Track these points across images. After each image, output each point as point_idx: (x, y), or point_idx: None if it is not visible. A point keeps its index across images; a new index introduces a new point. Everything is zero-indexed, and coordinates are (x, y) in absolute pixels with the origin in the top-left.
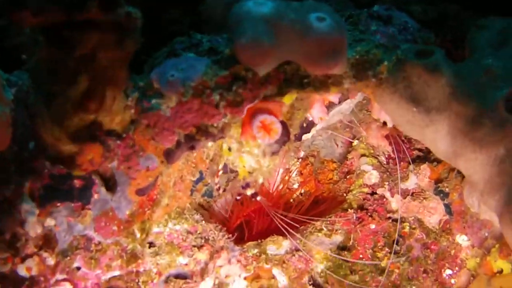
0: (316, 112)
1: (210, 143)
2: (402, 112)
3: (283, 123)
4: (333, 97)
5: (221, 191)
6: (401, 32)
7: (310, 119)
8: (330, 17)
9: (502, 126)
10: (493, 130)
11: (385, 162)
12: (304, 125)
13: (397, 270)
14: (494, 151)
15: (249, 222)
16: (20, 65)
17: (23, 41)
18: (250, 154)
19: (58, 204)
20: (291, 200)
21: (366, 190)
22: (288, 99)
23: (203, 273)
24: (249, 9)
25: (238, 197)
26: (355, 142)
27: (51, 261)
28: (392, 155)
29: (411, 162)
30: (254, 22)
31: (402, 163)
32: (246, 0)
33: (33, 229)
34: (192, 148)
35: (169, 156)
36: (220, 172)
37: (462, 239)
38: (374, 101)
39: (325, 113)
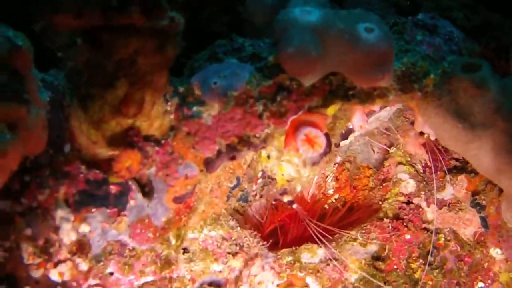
0: (356, 121)
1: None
2: (447, 126)
3: (326, 135)
4: (375, 106)
5: (257, 197)
6: (447, 42)
7: (350, 126)
8: (378, 27)
9: None
10: None
11: (422, 171)
12: (343, 131)
13: (430, 282)
14: None
15: (284, 228)
16: (55, 63)
17: (61, 42)
18: (289, 163)
19: (93, 210)
20: (326, 206)
21: (402, 199)
22: (332, 109)
23: (237, 281)
24: (295, 17)
25: (274, 202)
26: (392, 149)
27: (84, 266)
28: (429, 164)
29: (447, 172)
30: (301, 31)
31: (439, 172)
32: (292, 7)
33: (68, 236)
34: (233, 158)
35: (209, 165)
36: (259, 180)
37: (496, 252)
38: (418, 114)
39: (365, 122)
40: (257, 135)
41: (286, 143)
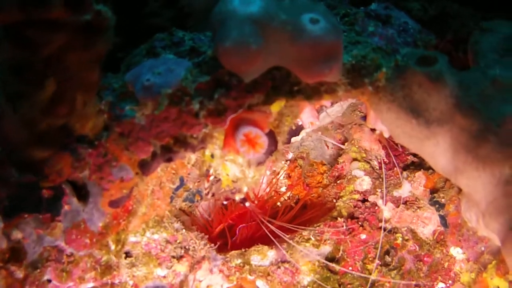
0: (306, 117)
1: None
2: (400, 122)
3: (270, 133)
4: (324, 101)
5: (209, 195)
6: (401, 33)
7: (300, 123)
8: (324, 18)
9: (509, 145)
10: (499, 147)
11: (377, 167)
12: (293, 127)
13: (387, 284)
14: (499, 170)
15: (232, 229)
16: None
17: None
18: (233, 163)
19: (26, 216)
20: (278, 204)
21: (357, 196)
22: (276, 106)
23: (182, 285)
24: (234, 8)
25: (226, 202)
26: (346, 145)
27: (19, 274)
28: (385, 160)
29: (399, 170)
30: (240, 22)
31: (395, 168)
32: None
33: None
34: (169, 160)
35: (144, 168)
36: (211, 178)
37: (456, 252)
38: (370, 109)
39: (315, 118)
40: (194, 135)
41: (225, 143)
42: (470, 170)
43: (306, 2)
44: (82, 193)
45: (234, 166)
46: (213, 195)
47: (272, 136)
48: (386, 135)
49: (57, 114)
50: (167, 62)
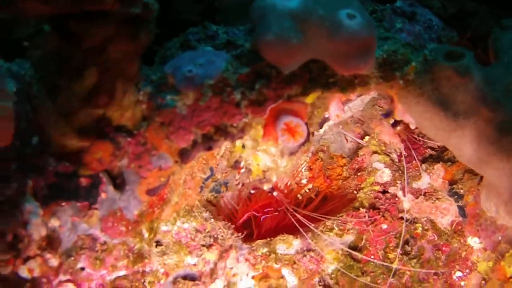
0: (333, 110)
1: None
2: (429, 115)
3: (305, 124)
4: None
5: (240, 185)
6: (426, 30)
7: (326, 116)
8: (360, 14)
9: None
10: None
11: (397, 160)
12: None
13: (408, 272)
14: None
15: (257, 219)
16: (21, 53)
17: (28, 31)
18: (265, 153)
19: (63, 204)
20: (299, 196)
21: (377, 188)
22: (311, 98)
23: (212, 273)
24: (274, 3)
25: (253, 191)
26: (367, 138)
27: (54, 262)
28: (405, 153)
29: (419, 163)
30: (280, 17)
31: (414, 161)
32: None
33: (37, 231)
34: (209, 148)
35: (184, 156)
36: (243, 170)
37: (474, 241)
38: (398, 102)
39: (342, 110)
40: (235, 125)
41: (265, 132)
42: (494, 161)
43: None
44: (117, 182)
45: (265, 156)
46: (242, 185)
47: (307, 125)
48: (413, 127)
49: (97, 104)
50: (207, 54)
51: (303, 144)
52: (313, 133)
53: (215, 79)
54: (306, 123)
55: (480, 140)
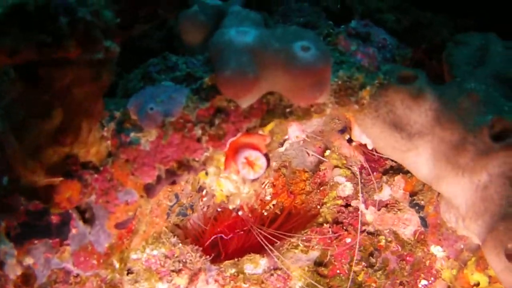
0: (293, 132)
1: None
2: (384, 136)
3: (265, 155)
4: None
5: (204, 208)
6: (380, 50)
7: (286, 137)
8: (314, 45)
9: (486, 153)
10: (476, 156)
11: (358, 173)
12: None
13: (374, 284)
14: (477, 177)
15: (224, 239)
16: None
17: None
18: (228, 179)
19: (36, 242)
20: (264, 213)
21: (340, 202)
22: (269, 126)
23: None
24: (231, 38)
25: (219, 209)
26: (327, 152)
27: None
28: (365, 165)
29: (373, 176)
30: (237, 52)
31: (375, 173)
32: (227, 27)
33: (13, 271)
34: (173, 182)
35: (149, 191)
36: (205, 198)
37: (437, 250)
38: (355, 124)
39: (301, 131)
40: (197, 159)
41: (226, 165)
42: (450, 178)
43: (297, 29)
44: (87, 217)
45: (228, 182)
46: (207, 207)
47: (266, 156)
48: (370, 147)
49: (64, 143)
50: (167, 89)
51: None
52: (268, 161)
53: (176, 116)
54: (265, 154)
55: (435, 159)
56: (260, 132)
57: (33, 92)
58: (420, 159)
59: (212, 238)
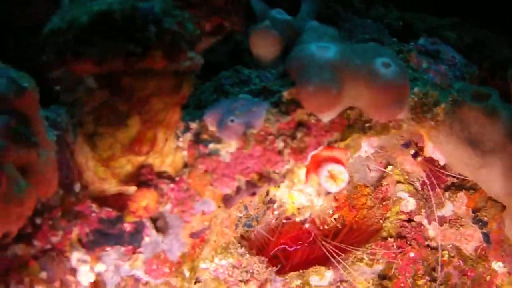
0: (364, 148)
1: None
2: (458, 153)
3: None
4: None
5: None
6: (451, 68)
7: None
8: (394, 62)
9: None
10: None
11: (420, 189)
12: None
13: None
14: None
15: (286, 251)
16: (54, 98)
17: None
18: (301, 192)
19: (108, 248)
20: (326, 227)
21: (403, 217)
22: (347, 141)
23: None
24: (312, 54)
25: (285, 221)
26: (389, 168)
27: None
28: (427, 181)
29: (440, 190)
30: (320, 68)
31: (437, 190)
32: (306, 43)
33: (86, 277)
34: (253, 194)
35: (227, 201)
36: (276, 212)
37: (498, 266)
38: (429, 141)
39: (371, 147)
40: (277, 171)
41: (307, 178)
42: None
43: (375, 46)
44: (160, 225)
45: (301, 195)
46: (275, 219)
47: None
48: (442, 163)
49: (139, 152)
50: (246, 103)
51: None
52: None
53: (258, 128)
54: (346, 169)
55: (507, 176)
56: (339, 146)
57: (113, 102)
58: (492, 177)
59: (276, 249)
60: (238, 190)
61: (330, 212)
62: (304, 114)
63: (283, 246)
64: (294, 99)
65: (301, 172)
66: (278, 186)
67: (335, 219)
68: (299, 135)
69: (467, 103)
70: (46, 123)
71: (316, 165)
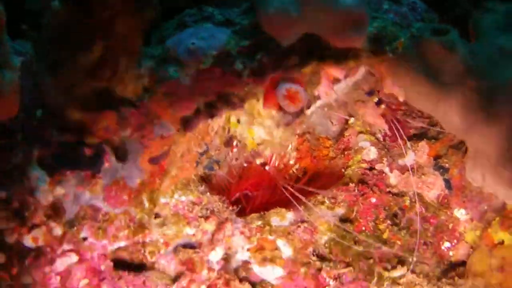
0: (323, 87)
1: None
2: (416, 86)
3: (305, 91)
4: (340, 73)
5: (233, 161)
6: (411, 11)
7: (316, 93)
8: None
9: None
10: (507, 104)
11: (382, 139)
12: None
13: (399, 242)
14: (508, 124)
15: (247, 196)
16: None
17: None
18: (261, 126)
19: (68, 173)
20: (287, 177)
21: (364, 165)
22: (307, 71)
23: (211, 243)
24: None
25: (245, 164)
26: (351, 120)
27: (58, 231)
28: (389, 133)
29: (400, 140)
30: None
31: (399, 140)
32: None
33: (45, 197)
34: (211, 116)
35: (186, 123)
36: (235, 150)
37: (460, 213)
38: (388, 76)
39: (331, 89)
40: (236, 93)
41: (265, 100)
42: (482, 127)
43: None
44: (120, 152)
45: (260, 129)
46: (236, 160)
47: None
48: (401, 99)
49: (102, 77)
50: (208, 29)
51: (297, 114)
52: (307, 107)
53: (218, 51)
54: (304, 90)
55: (467, 108)
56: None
57: (75, 21)
58: (452, 110)
59: (237, 194)
60: (198, 111)
61: (292, 162)
62: (265, 39)
63: (245, 192)
64: (256, 27)
65: (260, 105)
66: (238, 121)
67: (296, 169)
68: (258, 57)
69: (426, 38)
70: (11, 49)
71: (273, 88)
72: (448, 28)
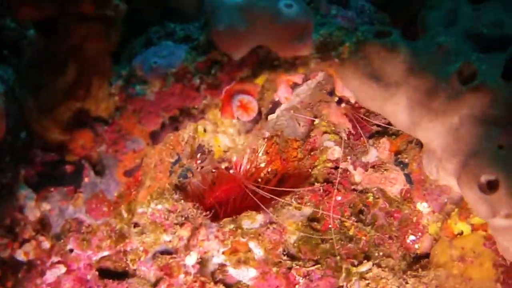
0: (282, 93)
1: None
2: (364, 88)
3: (257, 102)
4: (297, 78)
5: (199, 169)
6: (359, 15)
7: (276, 99)
8: (296, 3)
9: (456, 97)
10: (447, 100)
11: (346, 138)
12: (270, 106)
13: (364, 238)
14: (449, 120)
15: (222, 202)
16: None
17: (13, 37)
18: (224, 134)
19: (52, 189)
20: (259, 180)
21: (330, 165)
22: (260, 80)
23: (186, 248)
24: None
25: (214, 170)
26: (317, 121)
27: (46, 244)
28: (352, 131)
29: (365, 138)
30: (229, 10)
31: (362, 138)
32: None
33: (32, 213)
34: (176, 128)
35: (154, 137)
36: (199, 155)
37: (422, 207)
38: (337, 79)
39: (290, 93)
40: (196, 106)
41: (222, 111)
42: (425, 122)
43: None
44: (98, 167)
45: (225, 137)
46: (202, 167)
47: (258, 105)
48: (352, 100)
49: (77, 97)
50: (168, 47)
51: (256, 122)
52: (266, 113)
53: (177, 68)
54: (257, 101)
55: (411, 106)
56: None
57: (50, 48)
58: (398, 108)
59: (210, 201)
60: (163, 125)
61: (262, 165)
62: (218, 54)
63: (218, 201)
64: (210, 42)
65: (218, 112)
66: (205, 131)
67: (268, 172)
68: (213, 71)
69: (369, 40)
70: None
71: (229, 98)
72: (390, 30)
